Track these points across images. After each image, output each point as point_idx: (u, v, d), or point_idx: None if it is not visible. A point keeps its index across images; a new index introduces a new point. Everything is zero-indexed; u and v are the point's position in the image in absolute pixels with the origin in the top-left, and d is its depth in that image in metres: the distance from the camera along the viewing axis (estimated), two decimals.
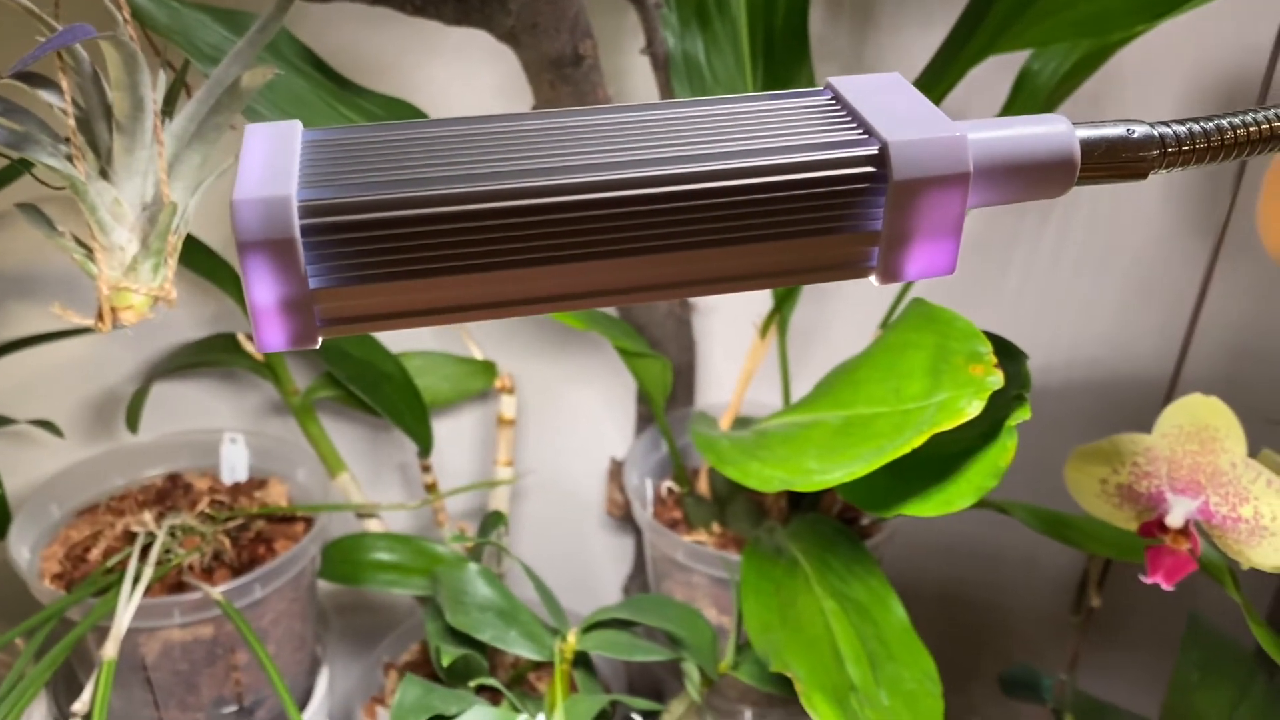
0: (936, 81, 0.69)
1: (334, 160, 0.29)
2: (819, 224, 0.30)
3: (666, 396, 0.80)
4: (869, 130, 0.30)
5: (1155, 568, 0.63)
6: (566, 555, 1.03)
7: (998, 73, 0.75)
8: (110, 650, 0.67)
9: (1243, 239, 0.76)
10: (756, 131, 0.30)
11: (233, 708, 0.79)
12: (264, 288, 0.27)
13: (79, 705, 0.66)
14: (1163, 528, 0.63)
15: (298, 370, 0.87)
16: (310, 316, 0.28)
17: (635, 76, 0.83)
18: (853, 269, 0.31)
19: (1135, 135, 0.32)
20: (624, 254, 0.29)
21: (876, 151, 0.29)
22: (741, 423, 0.78)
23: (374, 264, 0.28)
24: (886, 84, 0.32)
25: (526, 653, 0.67)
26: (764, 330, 0.82)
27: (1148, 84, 0.86)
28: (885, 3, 0.85)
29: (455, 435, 0.96)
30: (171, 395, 0.88)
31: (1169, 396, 0.69)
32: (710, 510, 0.84)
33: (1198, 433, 0.62)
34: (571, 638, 0.68)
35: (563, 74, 0.71)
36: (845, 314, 0.93)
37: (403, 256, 0.28)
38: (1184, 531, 0.63)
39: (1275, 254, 0.76)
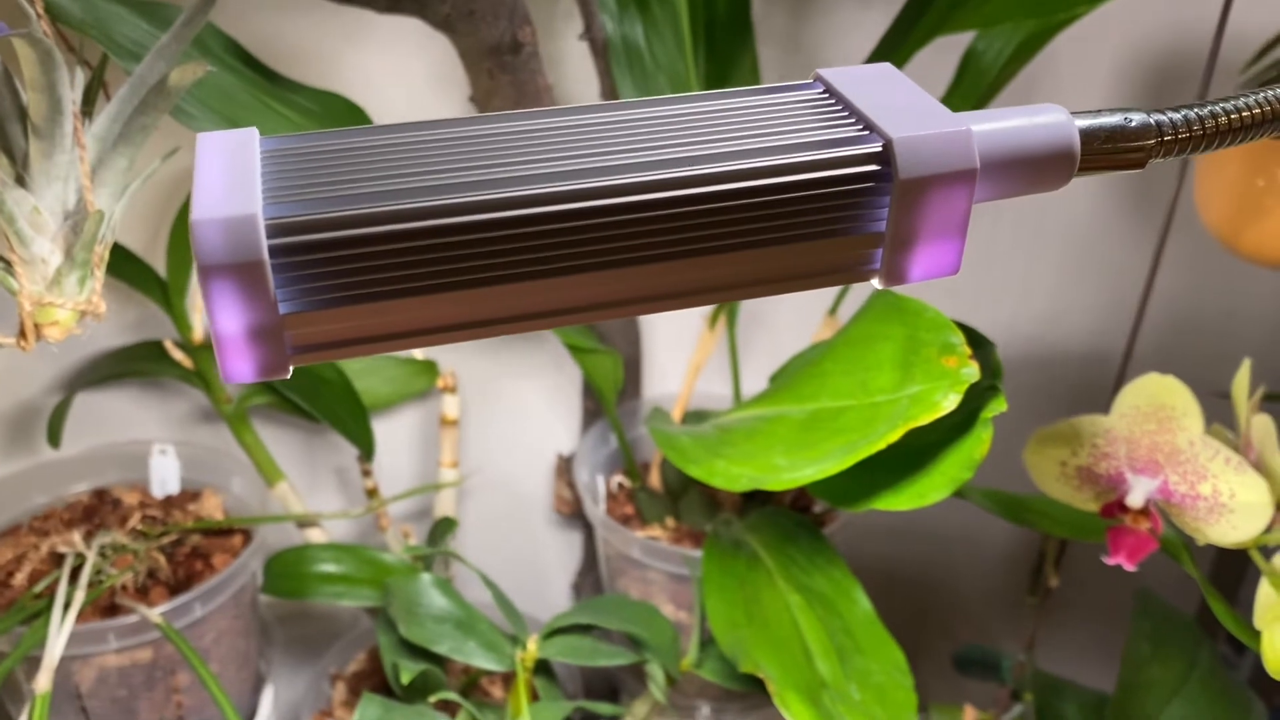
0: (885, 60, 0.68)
1: (298, 172, 0.26)
2: (819, 227, 0.28)
3: (618, 391, 0.79)
4: (870, 126, 0.28)
5: (1117, 548, 0.63)
6: (513, 554, 1.01)
7: (937, 55, 0.74)
8: (44, 682, 0.63)
9: (1191, 213, 0.77)
10: (751, 130, 0.28)
11: None
12: (229, 315, 0.25)
13: None
14: (1123, 508, 0.63)
15: None
16: (280, 344, 0.25)
17: (574, 63, 0.80)
18: (854, 273, 0.29)
19: (1133, 124, 0.31)
20: (615, 265, 0.27)
21: (880, 149, 0.28)
22: (696, 416, 0.77)
23: (350, 285, 0.25)
24: (879, 75, 0.31)
25: (487, 664, 0.65)
26: (713, 321, 0.80)
27: (1083, 66, 0.87)
28: None
29: (392, 437, 0.93)
30: (92, 406, 0.84)
31: (1122, 373, 0.69)
32: (663, 505, 0.83)
33: (1155, 412, 0.62)
34: (532, 645, 0.66)
35: (501, 62, 0.68)
36: (789, 301, 0.92)
37: (381, 275, 0.25)
38: (1144, 511, 0.63)
39: (1214, 231, 0.77)
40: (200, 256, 0.24)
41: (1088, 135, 0.31)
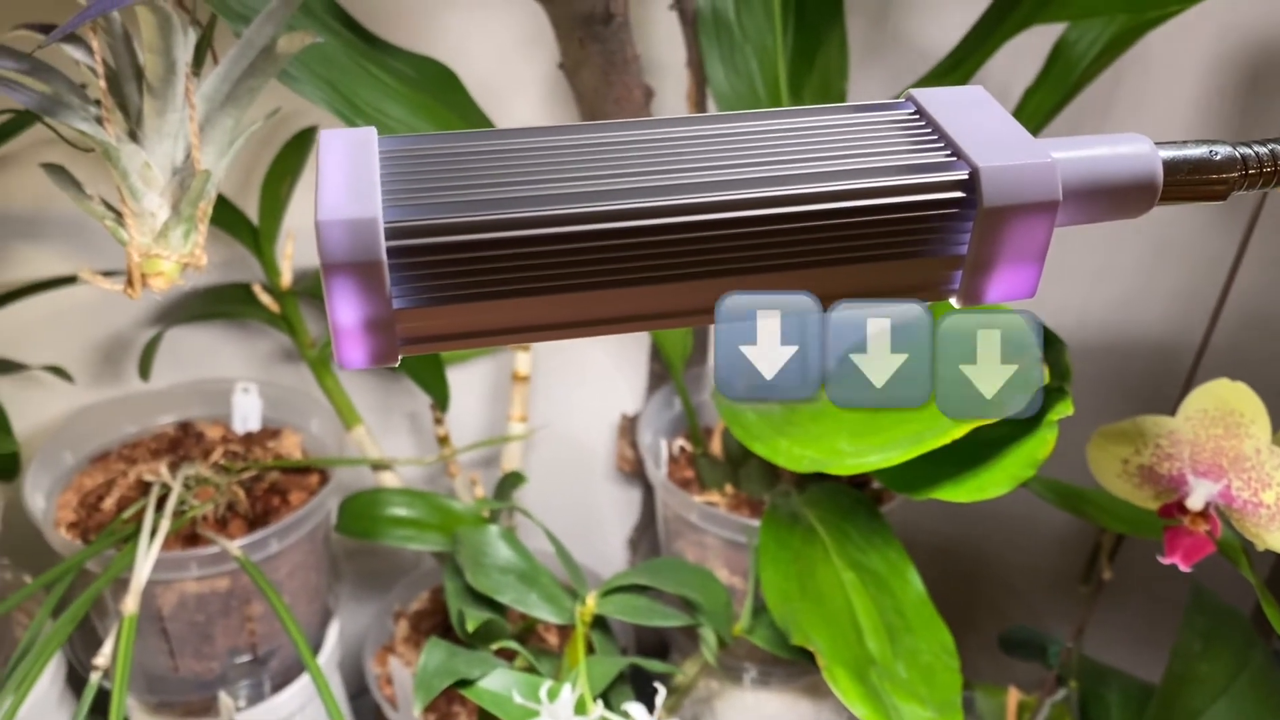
0: (977, 47, 0.67)
1: (415, 175, 0.28)
2: (905, 247, 0.29)
3: (686, 360, 0.80)
4: (957, 152, 0.29)
5: (1173, 548, 0.63)
6: (573, 507, 1.03)
7: (1028, 41, 0.74)
8: (131, 605, 0.67)
9: (1277, 206, 0.76)
10: (846, 150, 0.29)
11: (247, 657, 0.79)
12: (348, 308, 0.26)
13: (101, 660, 0.66)
14: (1182, 509, 0.64)
15: (311, 320, 0.86)
16: (392, 336, 0.27)
17: (662, 32, 0.81)
18: (934, 291, 0.30)
19: (1218, 157, 0.32)
20: (707, 275, 0.28)
21: (967, 177, 0.29)
22: None
23: (458, 285, 0.27)
24: (971, 99, 0.32)
25: (547, 615, 0.67)
26: None
27: (1173, 57, 0.85)
28: None
29: (465, 387, 0.96)
30: (179, 341, 0.87)
31: (1194, 367, 0.69)
32: (724, 471, 0.84)
33: (1223, 417, 0.62)
34: (591, 601, 0.68)
35: (593, 31, 0.69)
36: None
37: (487, 278, 0.27)
38: (1203, 514, 0.63)
39: None
40: (324, 255, 0.26)
41: (1171, 167, 0.31)
